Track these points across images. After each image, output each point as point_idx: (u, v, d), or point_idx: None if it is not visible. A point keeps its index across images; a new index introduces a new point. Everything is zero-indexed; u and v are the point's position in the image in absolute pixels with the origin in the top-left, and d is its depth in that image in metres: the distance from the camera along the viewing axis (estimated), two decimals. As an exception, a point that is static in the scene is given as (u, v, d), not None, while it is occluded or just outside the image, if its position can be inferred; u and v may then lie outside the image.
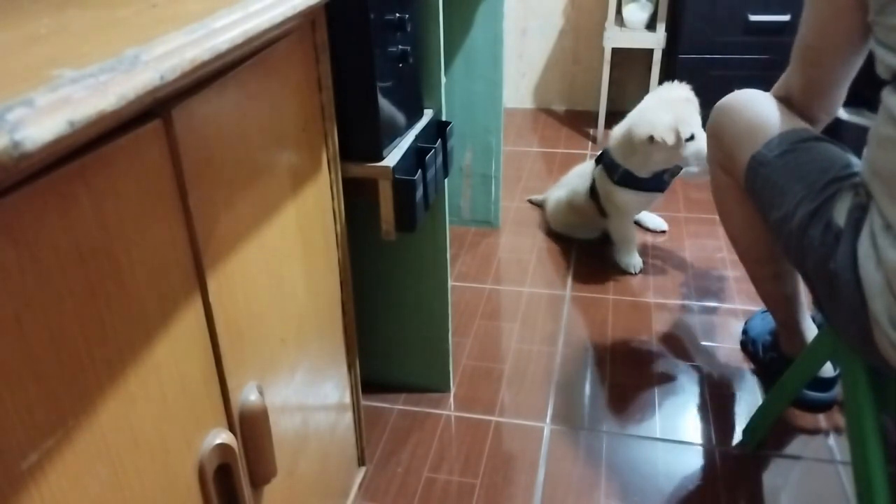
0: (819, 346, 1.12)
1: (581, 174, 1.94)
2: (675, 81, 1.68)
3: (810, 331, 1.32)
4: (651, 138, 1.60)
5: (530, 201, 2.20)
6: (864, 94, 1.33)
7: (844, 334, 0.98)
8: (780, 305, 1.32)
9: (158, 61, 0.47)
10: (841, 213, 0.94)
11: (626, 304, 1.72)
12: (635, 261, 1.84)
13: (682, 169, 1.73)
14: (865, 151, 0.94)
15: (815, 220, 0.97)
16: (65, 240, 0.47)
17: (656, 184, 1.75)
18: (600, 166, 1.80)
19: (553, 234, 2.02)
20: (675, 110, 1.61)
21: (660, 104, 1.64)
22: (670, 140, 1.59)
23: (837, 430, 1.33)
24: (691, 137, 1.60)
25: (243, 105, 0.70)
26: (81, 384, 0.50)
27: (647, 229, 1.89)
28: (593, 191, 1.84)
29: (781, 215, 1.03)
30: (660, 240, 1.86)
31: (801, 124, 1.09)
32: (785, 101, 1.13)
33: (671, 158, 1.64)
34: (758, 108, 1.14)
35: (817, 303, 1.04)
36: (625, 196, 1.75)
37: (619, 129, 1.74)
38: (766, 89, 1.18)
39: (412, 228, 1.10)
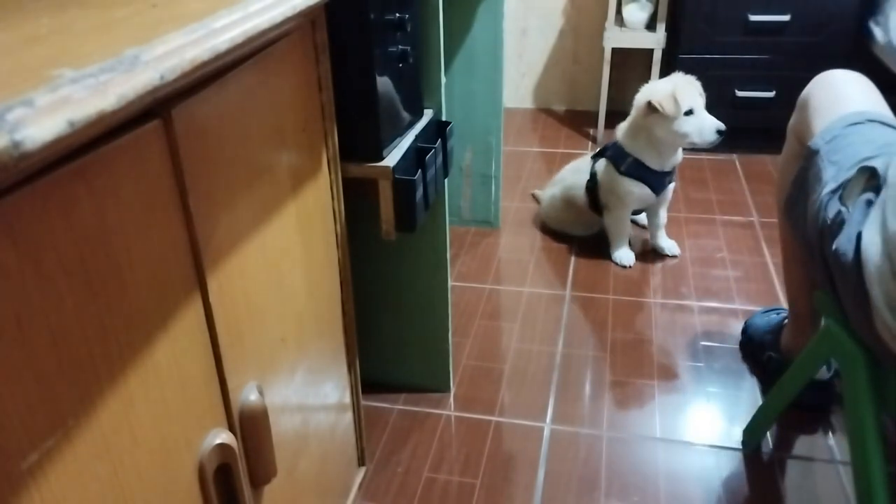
0: (819, 345, 1.12)
1: (575, 169, 1.96)
2: (680, 73, 1.74)
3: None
4: (650, 104, 1.67)
5: (533, 195, 2.21)
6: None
7: (851, 321, 0.98)
8: (802, 292, 1.31)
9: (158, 61, 0.47)
10: (851, 196, 0.94)
11: (626, 304, 1.72)
12: (627, 255, 1.87)
13: (674, 177, 1.80)
14: None
15: (832, 202, 0.97)
16: (65, 240, 0.47)
17: (658, 182, 1.78)
18: (603, 159, 1.84)
19: (552, 234, 2.02)
20: (675, 82, 1.69)
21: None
22: (668, 106, 1.65)
23: (837, 431, 1.34)
24: (690, 112, 1.66)
25: (243, 105, 0.70)
26: (81, 384, 0.50)
27: (662, 251, 1.91)
28: (591, 185, 1.87)
29: (815, 198, 1.02)
30: (670, 263, 1.88)
31: (869, 107, 1.06)
32: None
33: (672, 134, 1.68)
34: (844, 88, 1.12)
35: (827, 287, 1.03)
36: (629, 187, 1.78)
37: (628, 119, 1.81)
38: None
39: (412, 228, 1.10)
